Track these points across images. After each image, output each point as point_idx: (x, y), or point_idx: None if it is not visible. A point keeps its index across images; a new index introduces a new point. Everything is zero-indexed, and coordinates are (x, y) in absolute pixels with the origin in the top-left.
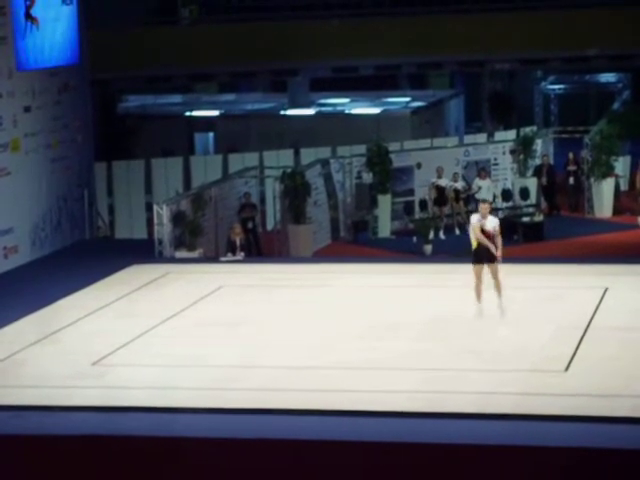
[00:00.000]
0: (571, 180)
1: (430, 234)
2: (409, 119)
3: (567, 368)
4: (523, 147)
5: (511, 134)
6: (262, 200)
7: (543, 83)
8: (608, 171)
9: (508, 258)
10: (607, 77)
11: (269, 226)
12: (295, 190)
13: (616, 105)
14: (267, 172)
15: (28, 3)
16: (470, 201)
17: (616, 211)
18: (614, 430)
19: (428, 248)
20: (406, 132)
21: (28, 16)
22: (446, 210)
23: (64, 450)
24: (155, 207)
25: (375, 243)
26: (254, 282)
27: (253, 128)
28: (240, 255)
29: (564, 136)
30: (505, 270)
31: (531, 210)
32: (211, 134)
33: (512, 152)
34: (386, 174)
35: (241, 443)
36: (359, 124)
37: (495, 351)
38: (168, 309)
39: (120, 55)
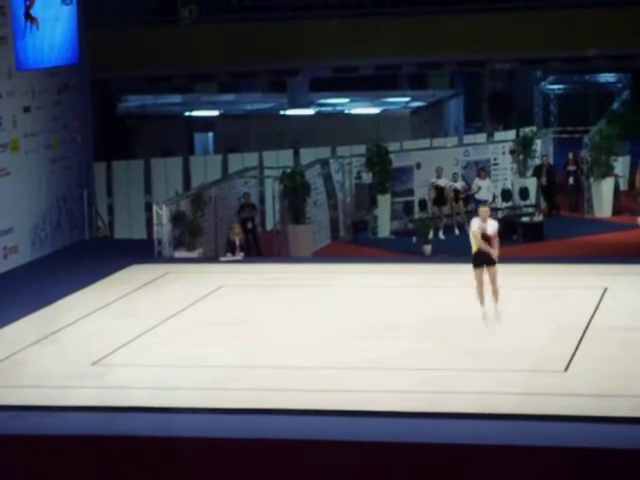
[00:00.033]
0: (571, 180)
1: (430, 234)
2: (409, 119)
3: (567, 368)
4: (523, 147)
5: (511, 134)
6: (262, 200)
7: (543, 83)
8: (608, 171)
9: (508, 258)
10: (607, 77)
11: (269, 226)
12: (295, 190)
13: (616, 105)
14: (267, 172)
15: (28, 3)
16: (470, 201)
17: (616, 211)
18: (614, 430)
19: (427, 248)
20: (406, 132)
21: (28, 16)
22: (445, 210)
23: (64, 450)
24: (155, 207)
25: (375, 243)
26: (254, 282)
27: (253, 128)
28: (240, 255)
29: (564, 136)
30: (505, 270)
31: (531, 210)
32: (211, 134)
33: (512, 152)
34: (386, 174)
35: (241, 443)
36: (359, 124)
37: (495, 351)
38: (168, 309)
39: (120, 55)
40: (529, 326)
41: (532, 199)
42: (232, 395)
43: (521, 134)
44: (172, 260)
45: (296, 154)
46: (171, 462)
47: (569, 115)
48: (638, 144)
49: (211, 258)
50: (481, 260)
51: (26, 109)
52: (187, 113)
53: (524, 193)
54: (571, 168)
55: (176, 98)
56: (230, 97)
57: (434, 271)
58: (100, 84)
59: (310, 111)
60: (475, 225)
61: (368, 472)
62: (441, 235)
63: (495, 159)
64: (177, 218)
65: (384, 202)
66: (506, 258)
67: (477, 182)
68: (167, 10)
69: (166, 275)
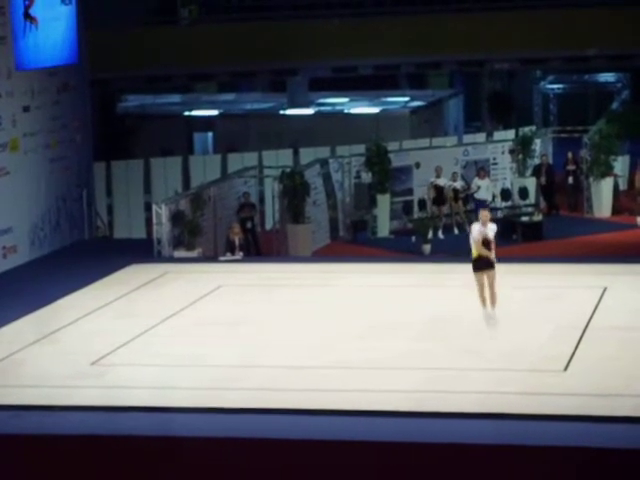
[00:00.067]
0: (570, 180)
1: (429, 234)
2: (408, 119)
3: (566, 368)
4: (522, 147)
5: (510, 134)
6: (261, 200)
7: (542, 83)
8: (607, 171)
9: (507, 257)
10: (606, 77)
11: (268, 226)
12: (294, 190)
13: (615, 105)
14: (266, 172)
15: (27, 3)
16: (469, 201)
17: (615, 211)
18: (614, 430)
19: (427, 248)
20: (405, 132)
21: (27, 16)
22: (445, 210)
23: (64, 450)
24: (154, 207)
25: (374, 243)
26: (253, 282)
27: (252, 128)
28: (239, 255)
29: (563, 136)
30: (504, 269)
31: (530, 210)
32: (210, 134)
33: (511, 152)
34: (385, 174)
35: (241, 443)
36: (358, 124)
37: (494, 351)
38: (167, 309)
39: (119, 55)
40: (529, 326)
41: (531, 199)
42: (232, 395)
43: (520, 134)
44: (171, 260)
45: (295, 154)
46: (171, 462)
47: (568, 115)
48: (637, 144)
49: (210, 258)
50: (481, 264)
51: (25, 109)
52: (186, 113)
53: (523, 193)
54: (570, 168)
55: (176, 98)
56: (230, 97)
57: (433, 271)
58: (100, 84)
59: (310, 111)
60: (476, 231)
61: (368, 472)
62: (440, 235)
63: (494, 159)
64: (176, 218)
65: (383, 202)
66: (506, 258)
67: (476, 182)
68: (167, 10)
69: (165, 275)
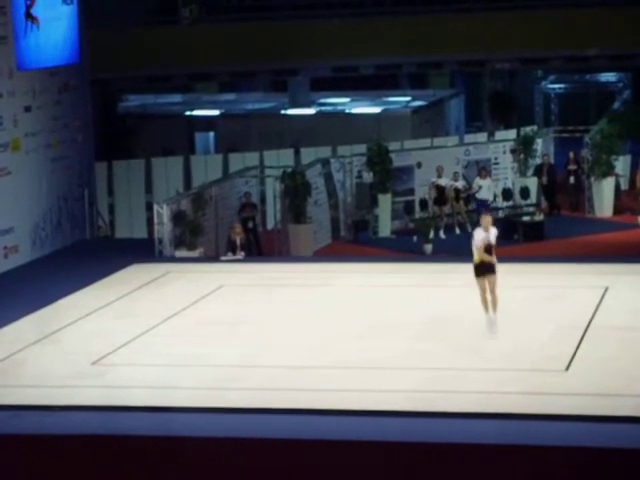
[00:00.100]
0: (571, 179)
1: (430, 233)
2: (409, 118)
3: (567, 367)
4: (523, 146)
5: (511, 133)
6: (262, 200)
7: (543, 82)
8: (608, 170)
9: (508, 257)
10: (607, 77)
11: (269, 226)
12: (295, 190)
13: (616, 104)
14: (267, 172)
15: (28, 3)
16: (470, 200)
17: (616, 210)
18: (615, 429)
19: (428, 247)
20: (406, 131)
21: (28, 16)
22: (446, 209)
23: (64, 450)
24: (155, 206)
25: (375, 242)
26: (254, 281)
27: (253, 128)
28: (240, 254)
29: (564, 135)
30: (505, 269)
31: (531, 209)
32: (211, 134)
33: (512, 151)
34: (386, 173)
35: (241, 443)
36: (359, 124)
37: (495, 350)
38: (168, 308)
39: (120, 55)
40: (530, 325)
41: (533, 198)
42: (232, 394)
43: (522, 133)
44: (173, 259)
45: (297, 153)
46: (171, 461)
47: (570, 114)
48: (639, 143)
49: (212, 257)
50: (483, 269)
51: (27, 109)
52: (188, 113)
53: (525, 192)
54: (572, 167)
55: (177, 98)
56: (231, 97)
57: (435, 270)
58: (101, 84)
59: (311, 111)
60: (479, 237)
61: (369, 471)
62: (442, 234)
63: (496, 158)
64: (178, 217)
65: (385, 201)
66: (507, 257)
67: (478, 181)
68: (167, 10)
69: (167, 274)
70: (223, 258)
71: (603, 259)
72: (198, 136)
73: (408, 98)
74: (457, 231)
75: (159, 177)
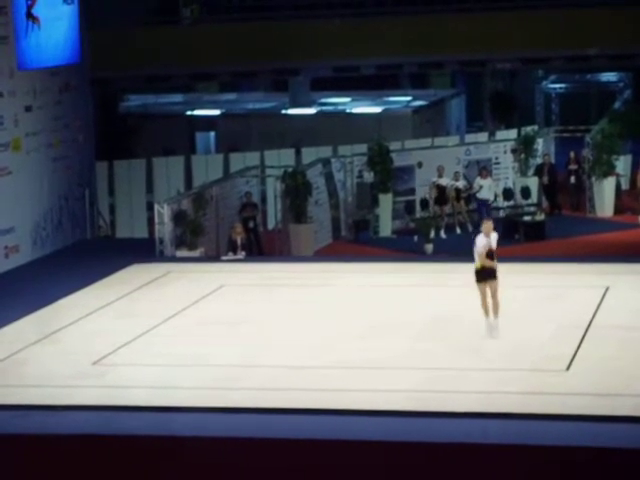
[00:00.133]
0: (572, 179)
1: (431, 233)
2: (410, 118)
3: (568, 367)
4: (524, 146)
5: (512, 133)
6: (263, 199)
7: (544, 82)
8: (609, 170)
9: (509, 257)
10: (608, 76)
11: (270, 225)
12: (296, 189)
13: (617, 104)
14: (268, 171)
15: (29, 3)
16: (471, 200)
17: (617, 210)
18: (615, 429)
19: (429, 247)
20: (407, 131)
21: (29, 15)
22: (447, 209)
23: (66, 449)
24: (156, 206)
25: (376, 242)
26: (255, 281)
27: (254, 127)
28: (241, 254)
29: (565, 135)
30: (506, 269)
31: (532, 209)
32: (212, 133)
33: (513, 151)
34: (387, 173)
35: (242, 442)
36: (360, 123)
37: (496, 350)
38: (169, 308)
39: (121, 55)
40: (530, 325)
41: (534, 198)
42: (233, 394)
43: (523, 133)
44: (173, 259)
45: (297, 153)
46: (172, 461)
47: (571, 114)
48: (639, 143)
49: (212, 257)
50: (485, 275)
51: (27, 108)
52: (188, 112)
53: (526, 192)
54: (573, 167)
55: (177, 97)
56: (231, 96)
57: (435, 270)
58: (101, 83)
59: (312, 110)
60: (480, 243)
61: (368, 471)
62: (442, 234)
63: (497, 158)
64: (179, 217)
65: (385, 201)
66: (508, 257)
67: (479, 181)
68: (168, 10)
69: (167, 274)
70: (224, 258)
71: (604, 259)
72: (199, 136)
73: (409, 98)
74: (458, 231)
75: (160, 177)
